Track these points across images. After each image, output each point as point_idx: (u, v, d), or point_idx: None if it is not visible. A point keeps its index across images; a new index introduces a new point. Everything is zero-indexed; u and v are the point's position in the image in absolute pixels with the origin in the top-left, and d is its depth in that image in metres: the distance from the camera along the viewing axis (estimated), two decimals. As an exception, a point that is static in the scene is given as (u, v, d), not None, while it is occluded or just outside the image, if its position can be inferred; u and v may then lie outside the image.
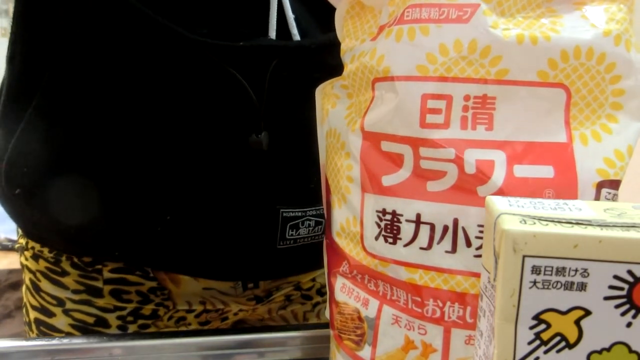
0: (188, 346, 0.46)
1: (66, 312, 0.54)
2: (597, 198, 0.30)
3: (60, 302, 0.54)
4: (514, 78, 0.30)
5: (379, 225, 0.33)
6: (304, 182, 0.49)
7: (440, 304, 0.32)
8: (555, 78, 0.30)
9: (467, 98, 0.30)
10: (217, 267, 0.52)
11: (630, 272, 0.21)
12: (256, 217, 0.48)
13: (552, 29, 0.30)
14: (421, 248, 0.32)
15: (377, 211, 0.33)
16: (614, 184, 0.30)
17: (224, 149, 0.46)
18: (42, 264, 0.54)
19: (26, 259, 0.56)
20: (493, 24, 0.30)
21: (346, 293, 0.36)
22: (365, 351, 0.35)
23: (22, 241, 0.57)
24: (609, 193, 0.30)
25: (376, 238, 0.33)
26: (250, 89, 0.45)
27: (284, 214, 0.48)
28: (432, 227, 0.31)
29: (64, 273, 0.53)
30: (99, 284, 0.53)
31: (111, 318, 0.53)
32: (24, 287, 0.59)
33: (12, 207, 0.53)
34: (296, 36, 0.47)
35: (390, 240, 0.33)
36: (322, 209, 0.49)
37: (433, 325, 0.32)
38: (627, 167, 0.31)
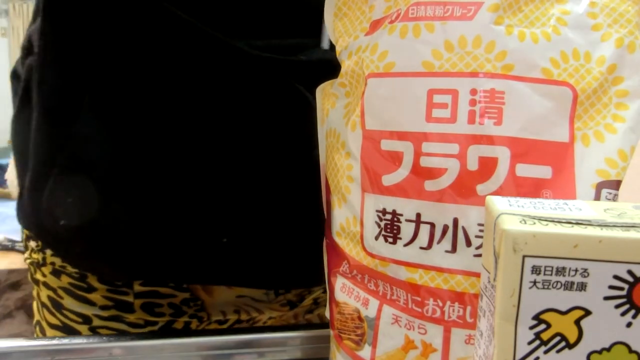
0: (188, 346, 0.46)
1: (93, 330, 0.51)
2: (597, 198, 0.30)
3: (86, 320, 0.51)
4: (520, 74, 0.30)
5: (379, 225, 0.33)
6: None
7: (440, 304, 0.32)
8: (559, 76, 0.30)
9: (474, 92, 0.30)
10: (268, 278, 0.50)
11: (630, 272, 0.21)
12: (304, 228, 0.46)
13: (555, 28, 0.30)
14: (421, 248, 0.32)
15: (377, 211, 0.33)
16: (615, 185, 0.30)
17: (287, 164, 0.45)
18: (65, 280, 0.51)
19: (44, 275, 0.53)
20: (497, 20, 0.30)
21: (346, 293, 0.36)
22: (365, 351, 0.35)
23: (37, 257, 0.53)
24: (610, 193, 0.30)
25: (376, 238, 0.33)
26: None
27: None
28: (432, 226, 0.31)
29: (91, 289, 0.50)
30: (130, 299, 0.50)
31: None
32: (36, 305, 0.56)
33: (52, 239, 0.50)
34: None
35: (390, 240, 0.33)
36: None
37: (433, 325, 0.32)
38: (628, 167, 0.31)
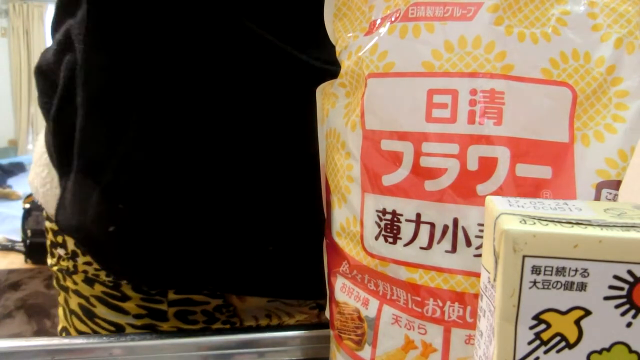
0: (188, 346, 0.46)
1: None
2: (597, 198, 0.30)
3: (119, 329, 0.51)
4: (520, 74, 0.30)
5: (379, 225, 0.33)
6: None
7: (440, 304, 0.32)
8: (559, 77, 0.30)
9: (473, 92, 0.30)
10: (308, 289, 0.49)
11: (630, 272, 0.21)
12: None
13: (554, 29, 0.30)
14: (421, 248, 0.32)
15: (377, 211, 0.33)
16: (615, 185, 0.30)
17: None
18: (98, 289, 0.50)
19: (75, 283, 0.52)
20: (496, 21, 0.30)
21: (346, 293, 0.36)
22: (365, 351, 0.35)
23: (67, 264, 0.52)
24: (610, 193, 0.30)
25: (376, 238, 0.33)
26: None
27: None
28: (432, 226, 0.31)
29: (125, 298, 0.50)
30: (164, 307, 0.50)
31: None
32: (63, 311, 0.55)
33: (95, 245, 0.48)
34: None
35: (390, 240, 0.33)
36: None
37: (433, 325, 0.32)
38: (628, 167, 0.31)
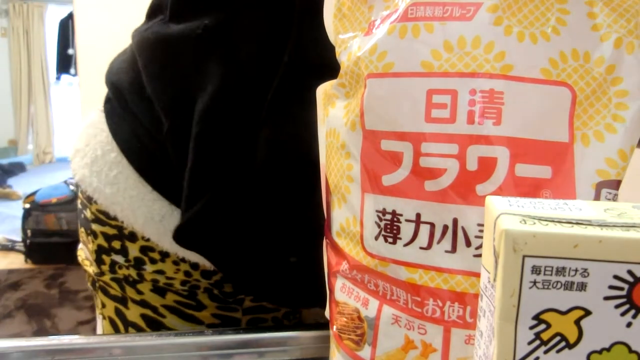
0: (188, 346, 0.46)
1: None
2: (597, 198, 0.30)
3: None
4: (519, 74, 0.30)
5: (378, 225, 0.33)
6: None
7: (440, 304, 0.32)
8: (558, 77, 0.30)
9: (472, 92, 0.30)
10: None
11: (630, 272, 0.21)
12: None
13: (554, 29, 0.30)
14: (421, 248, 0.32)
15: (377, 211, 0.33)
16: (615, 184, 0.30)
17: None
18: (171, 298, 0.49)
19: (139, 293, 0.50)
20: (496, 21, 0.30)
21: (346, 293, 0.36)
22: (365, 351, 0.35)
23: (128, 272, 0.50)
24: (610, 193, 0.30)
25: (376, 238, 0.33)
26: None
27: None
28: (432, 226, 0.31)
29: (201, 307, 0.49)
30: (238, 315, 0.50)
31: None
32: (107, 323, 0.52)
33: (241, 270, 0.45)
34: None
35: (390, 240, 0.33)
36: None
37: (433, 325, 0.32)
38: (628, 167, 0.31)
